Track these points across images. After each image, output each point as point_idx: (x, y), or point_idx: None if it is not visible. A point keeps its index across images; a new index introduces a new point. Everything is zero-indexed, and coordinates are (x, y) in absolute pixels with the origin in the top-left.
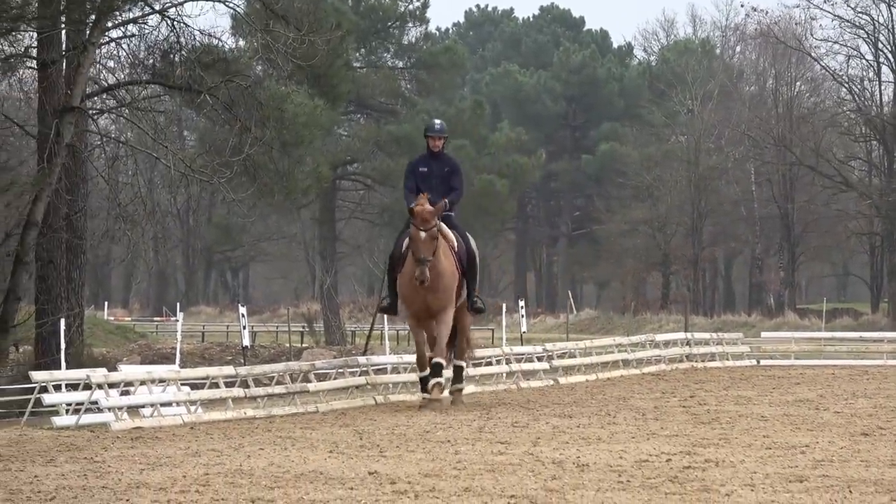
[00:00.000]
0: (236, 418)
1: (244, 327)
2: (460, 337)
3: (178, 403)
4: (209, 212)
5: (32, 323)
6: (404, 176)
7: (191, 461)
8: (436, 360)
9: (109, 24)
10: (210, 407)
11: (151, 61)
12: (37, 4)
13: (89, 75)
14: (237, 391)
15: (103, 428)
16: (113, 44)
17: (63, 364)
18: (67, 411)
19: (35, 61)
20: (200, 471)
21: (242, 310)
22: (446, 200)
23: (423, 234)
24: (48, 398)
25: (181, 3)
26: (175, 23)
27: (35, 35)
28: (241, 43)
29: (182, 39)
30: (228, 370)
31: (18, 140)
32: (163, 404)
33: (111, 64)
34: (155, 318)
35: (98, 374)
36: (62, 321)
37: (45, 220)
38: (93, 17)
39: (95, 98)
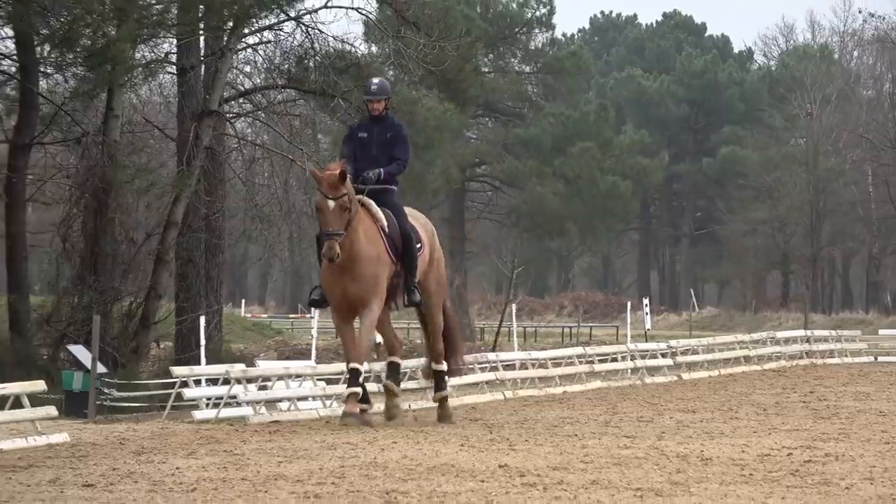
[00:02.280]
0: (370, 412)
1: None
2: (433, 338)
3: (313, 398)
4: None
5: (173, 320)
6: (342, 143)
7: (327, 454)
8: (351, 364)
9: (246, 31)
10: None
11: (287, 66)
12: (176, 12)
13: (227, 80)
14: (371, 386)
15: (242, 421)
16: (249, 49)
17: (203, 360)
18: (207, 405)
19: (175, 67)
20: (336, 463)
21: None
22: (381, 170)
23: (330, 203)
24: (188, 393)
25: (316, 11)
26: (309, 29)
27: (175, 41)
28: (374, 49)
29: (316, 45)
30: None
31: (158, 143)
32: (299, 399)
33: (248, 69)
34: (290, 315)
35: (237, 370)
36: (201, 318)
37: (184, 220)
38: (230, 23)
39: (233, 102)
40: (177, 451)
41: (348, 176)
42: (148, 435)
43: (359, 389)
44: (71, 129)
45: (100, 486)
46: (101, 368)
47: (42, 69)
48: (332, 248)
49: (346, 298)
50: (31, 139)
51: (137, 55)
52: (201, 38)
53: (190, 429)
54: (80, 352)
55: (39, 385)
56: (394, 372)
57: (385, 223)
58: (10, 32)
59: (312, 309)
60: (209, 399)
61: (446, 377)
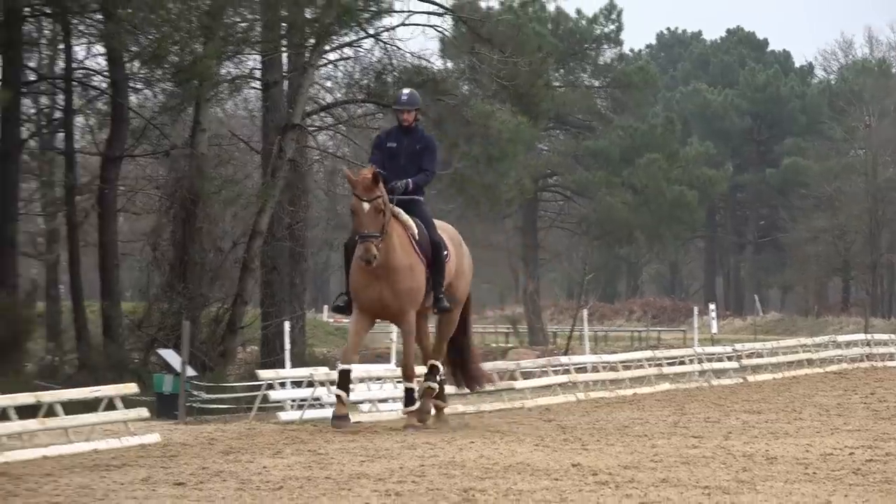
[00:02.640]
0: (448, 413)
1: None
2: (439, 342)
3: (393, 400)
4: None
5: (258, 325)
6: (370, 151)
7: (407, 453)
8: (406, 385)
9: (327, 48)
10: None
11: (366, 81)
12: (260, 29)
13: (309, 95)
14: (448, 388)
15: (325, 422)
16: (330, 65)
17: (287, 363)
18: (292, 407)
19: (259, 82)
20: (416, 462)
21: None
22: (409, 181)
23: (365, 206)
24: (274, 395)
25: (394, 28)
26: (388, 46)
27: (259, 58)
28: (449, 64)
29: (394, 61)
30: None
31: (244, 155)
32: (380, 400)
33: (329, 84)
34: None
35: (320, 373)
36: (286, 323)
37: (269, 229)
38: (312, 41)
39: (315, 116)
40: (263, 451)
41: (381, 179)
42: (235, 435)
43: (414, 406)
44: (160, 143)
45: (190, 484)
46: (190, 371)
47: (132, 85)
48: (368, 250)
49: (380, 305)
50: (122, 152)
51: (223, 71)
52: (284, 55)
53: (276, 429)
54: (171, 356)
55: (132, 388)
56: (432, 375)
57: (415, 231)
58: (102, 49)
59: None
60: (294, 401)
61: (440, 374)
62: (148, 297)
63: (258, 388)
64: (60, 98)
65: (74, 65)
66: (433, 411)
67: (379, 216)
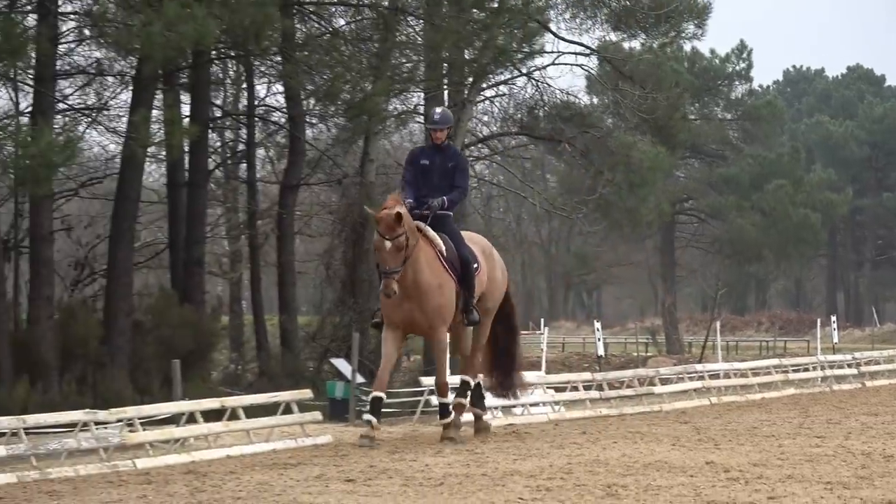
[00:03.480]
0: (593, 416)
1: (599, 339)
2: (474, 352)
3: (544, 404)
4: (568, 242)
5: (420, 337)
6: (404, 167)
7: (556, 452)
8: (441, 400)
9: (484, 85)
10: (571, 406)
11: (519, 116)
12: (423, 69)
13: (467, 128)
14: (594, 393)
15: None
16: (487, 101)
17: (447, 370)
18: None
19: (422, 117)
20: (564, 461)
21: (597, 324)
22: (444, 199)
23: (387, 244)
24: (435, 400)
25: (544, 67)
26: (539, 83)
27: (422, 95)
28: (595, 100)
29: (545, 97)
30: (586, 375)
31: None
32: (532, 404)
33: (485, 118)
34: (524, 332)
35: (477, 380)
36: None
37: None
38: (471, 79)
39: (472, 147)
40: (426, 451)
41: (404, 216)
42: (400, 436)
43: (449, 419)
44: (332, 172)
45: (359, 481)
46: (359, 379)
47: (308, 120)
48: (388, 286)
49: (411, 323)
50: (299, 181)
51: (390, 107)
52: (445, 92)
53: (437, 431)
54: (342, 364)
55: (307, 393)
56: (474, 394)
57: (443, 247)
58: (281, 88)
59: (542, 327)
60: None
61: (470, 389)
62: (321, 311)
63: (420, 393)
64: (243, 132)
65: (256, 102)
66: (461, 423)
67: (400, 252)
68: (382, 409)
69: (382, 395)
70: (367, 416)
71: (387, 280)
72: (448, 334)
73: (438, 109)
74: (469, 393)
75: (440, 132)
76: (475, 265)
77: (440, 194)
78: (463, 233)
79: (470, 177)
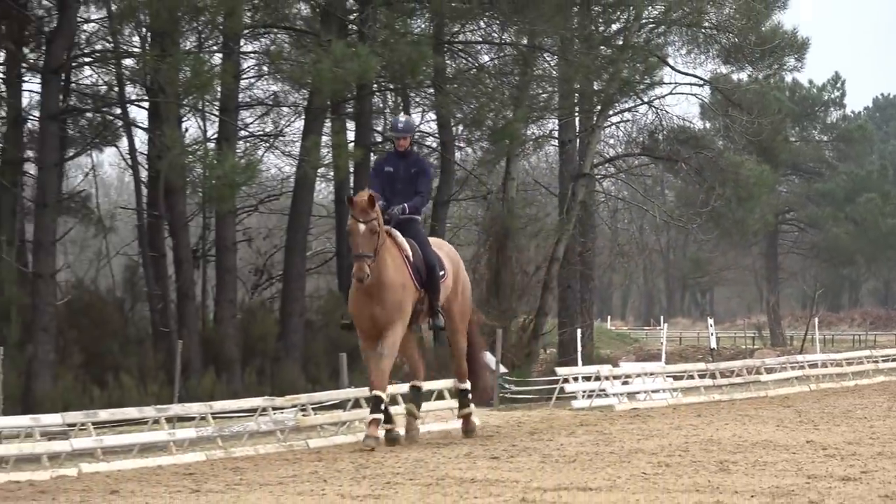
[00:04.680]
0: (706, 401)
1: (711, 334)
2: (458, 359)
3: (663, 390)
4: (684, 249)
5: (556, 332)
6: (369, 176)
7: (674, 433)
8: (374, 392)
9: (611, 112)
10: (687, 393)
11: (641, 139)
12: (558, 99)
13: (596, 150)
14: (707, 381)
15: (609, 409)
16: (613, 126)
17: (579, 362)
18: (583, 397)
19: (556, 140)
20: (681, 440)
21: (710, 321)
22: (405, 206)
23: (361, 227)
24: (569, 387)
25: (663, 97)
26: (658, 110)
27: (557, 121)
28: (707, 124)
29: (663, 122)
30: (700, 366)
31: (544, 198)
32: (653, 391)
33: (611, 141)
34: (645, 328)
35: (605, 369)
36: (577, 330)
37: (564, 256)
38: (599, 107)
39: (600, 166)
40: (560, 431)
41: (377, 202)
42: (538, 419)
43: (380, 416)
44: (478, 189)
45: (502, 458)
46: (502, 369)
47: (457, 144)
48: (361, 269)
49: (372, 323)
50: (449, 197)
51: (528, 132)
52: (577, 119)
53: (570, 415)
54: (488, 356)
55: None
56: (416, 395)
57: (409, 252)
58: (433, 116)
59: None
60: (584, 392)
61: (469, 395)
62: None
63: (556, 381)
64: None
65: None
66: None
67: (374, 237)
68: (386, 408)
69: (381, 393)
70: (372, 416)
71: (360, 263)
72: (402, 335)
73: (402, 118)
74: (420, 401)
75: (403, 140)
76: (441, 272)
77: (403, 199)
78: (431, 239)
79: (431, 180)
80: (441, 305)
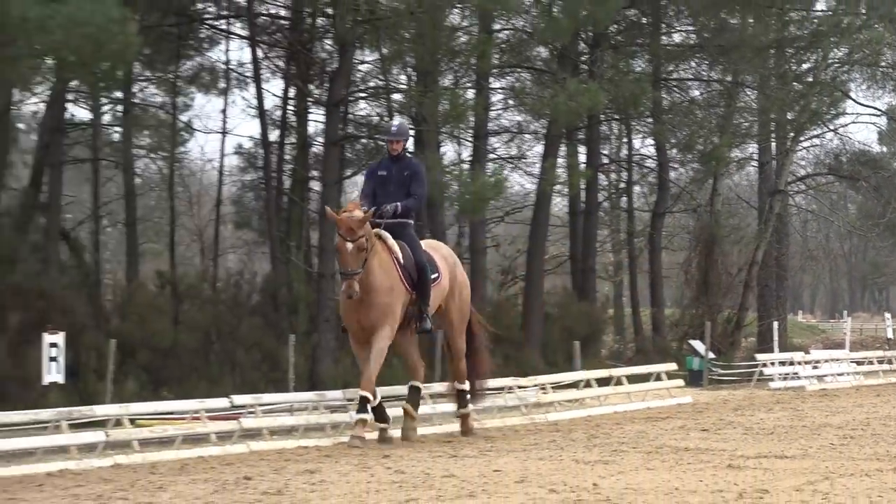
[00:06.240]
0: (884, 383)
1: (888, 326)
2: (456, 359)
3: (847, 374)
4: (864, 254)
5: (755, 324)
6: (364, 180)
7: (857, 410)
8: (361, 393)
9: (802, 138)
10: (868, 376)
11: (828, 161)
12: (757, 127)
13: (789, 169)
14: (885, 366)
15: (801, 389)
16: (804, 150)
17: (775, 349)
18: (779, 379)
19: (756, 162)
20: (863, 416)
21: (887, 315)
22: (398, 205)
23: (349, 245)
24: (767, 371)
25: (846, 125)
26: (842, 136)
27: (756, 146)
28: (884, 149)
29: (847, 147)
30: (879, 353)
31: (746, 211)
32: (838, 374)
33: (802, 162)
34: (830, 320)
35: (798, 355)
36: (774, 323)
37: (763, 260)
38: (791, 134)
39: (793, 184)
40: (759, 408)
41: (362, 208)
42: (741, 398)
43: (367, 416)
44: (689, 203)
45: (711, 430)
46: (710, 355)
47: (671, 164)
48: (350, 287)
49: (360, 326)
50: (664, 209)
51: (732, 155)
52: (773, 144)
53: (768, 394)
54: (697, 345)
55: (672, 366)
56: (414, 395)
57: (400, 255)
58: (652, 141)
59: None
60: (780, 375)
61: (468, 396)
62: (681, 305)
63: (755, 366)
64: (624, 174)
65: (633, 152)
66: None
67: (361, 254)
68: (372, 409)
69: (368, 394)
70: (358, 416)
71: (349, 281)
72: (391, 339)
73: (396, 122)
74: (418, 400)
75: (396, 143)
76: (435, 274)
77: (396, 201)
78: (425, 241)
79: (425, 183)
80: (439, 307)
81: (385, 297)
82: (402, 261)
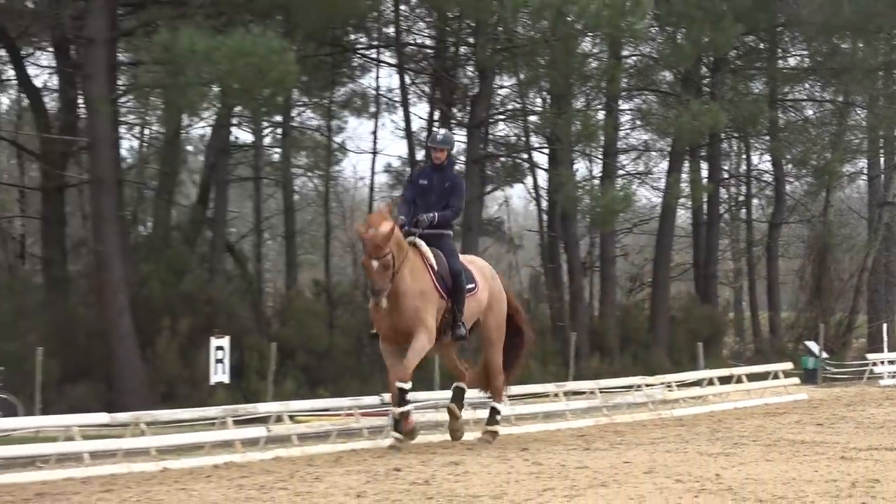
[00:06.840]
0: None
1: None
2: (492, 376)
3: None
4: None
5: (866, 326)
6: (404, 186)
7: None
8: (398, 384)
9: None
10: None
11: None
12: (866, 144)
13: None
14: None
15: None
16: None
17: (885, 349)
18: (888, 376)
19: (866, 175)
20: None
21: None
22: (435, 215)
23: (374, 264)
24: (877, 369)
25: None
26: None
27: (866, 161)
28: None
29: None
30: None
31: (856, 221)
32: None
33: None
34: None
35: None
36: (884, 325)
37: (873, 266)
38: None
39: None
40: (870, 404)
41: (393, 233)
42: (853, 394)
43: (409, 408)
44: (804, 214)
45: (825, 424)
46: (824, 355)
47: (787, 178)
48: (378, 304)
49: (393, 331)
50: (781, 220)
51: (843, 169)
52: (881, 159)
53: (878, 391)
54: (812, 345)
55: (788, 365)
56: (458, 396)
57: (434, 261)
58: (769, 157)
59: None
60: (890, 373)
61: (498, 417)
62: (797, 308)
63: (866, 365)
64: (743, 188)
65: (751, 167)
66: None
67: (387, 271)
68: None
69: (405, 384)
70: (400, 410)
71: (376, 299)
72: (430, 342)
73: (442, 131)
74: (462, 401)
75: (440, 152)
76: (471, 285)
77: (435, 212)
78: (465, 256)
79: (464, 197)
80: (476, 320)
81: (415, 300)
82: (435, 267)
